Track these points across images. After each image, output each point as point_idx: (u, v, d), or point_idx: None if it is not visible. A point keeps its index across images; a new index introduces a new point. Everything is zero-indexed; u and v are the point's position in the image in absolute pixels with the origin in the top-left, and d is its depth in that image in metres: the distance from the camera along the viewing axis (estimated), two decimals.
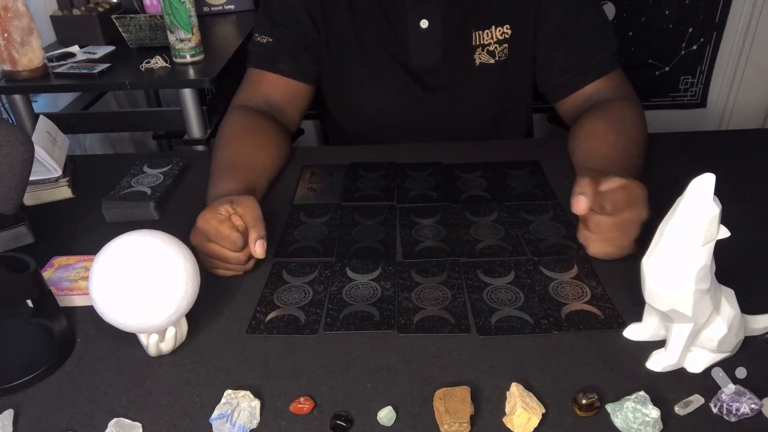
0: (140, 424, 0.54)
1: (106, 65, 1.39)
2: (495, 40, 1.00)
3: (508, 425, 0.52)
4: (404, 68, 1.02)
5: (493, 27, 0.99)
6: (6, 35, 1.26)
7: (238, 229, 0.69)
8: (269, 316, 0.66)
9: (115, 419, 0.54)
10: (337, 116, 1.13)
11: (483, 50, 1.00)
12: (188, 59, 1.39)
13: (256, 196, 0.83)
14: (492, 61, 1.01)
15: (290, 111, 1.03)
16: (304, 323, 0.65)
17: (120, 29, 1.50)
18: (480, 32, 0.99)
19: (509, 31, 0.99)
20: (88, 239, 0.81)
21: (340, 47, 1.02)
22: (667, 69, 2.05)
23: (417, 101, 1.05)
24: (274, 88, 1.01)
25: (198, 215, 0.71)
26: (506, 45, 1.00)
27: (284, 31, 1.00)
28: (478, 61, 1.01)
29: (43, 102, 1.62)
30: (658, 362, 0.57)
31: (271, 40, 1.00)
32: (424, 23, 0.98)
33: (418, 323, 0.64)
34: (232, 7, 1.77)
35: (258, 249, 0.69)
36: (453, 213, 0.83)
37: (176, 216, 0.85)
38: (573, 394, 0.54)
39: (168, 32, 1.37)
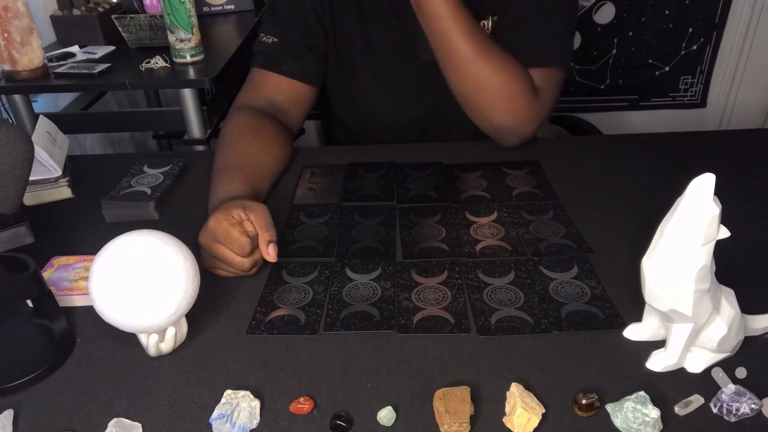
0: (140, 424, 0.54)
1: (106, 65, 1.39)
2: (489, 30, 0.99)
3: (508, 425, 0.52)
4: (413, 66, 1.02)
5: (489, 17, 0.98)
6: (6, 35, 1.26)
7: (248, 234, 0.69)
8: (269, 317, 0.66)
9: (115, 419, 0.54)
10: (343, 116, 1.13)
11: None
12: (188, 59, 1.39)
13: (259, 196, 0.84)
14: None
15: (293, 112, 1.03)
16: (304, 323, 0.65)
17: (120, 29, 1.50)
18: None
19: (495, 20, 0.98)
20: (88, 239, 0.81)
21: (348, 47, 1.02)
22: (667, 69, 2.05)
23: (424, 98, 1.05)
24: (277, 89, 1.00)
25: (210, 215, 0.71)
26: (492, 35, 0.99)
27: (290, 31, 1.00)
28: None
29: (43, 102, 1.62)
30: (658, 362, 0.57)
31: (276, 40, 1.00)
32: None
33: (418, 323, 0.64)
34: (232, 7, 1.77)
35: (271, 251, 0.69)
36: (453, 213, 0.83)
37: (176, 216, 0.85)
38: (573, 394, 0.54)
39: (168, 32, 1.37)
